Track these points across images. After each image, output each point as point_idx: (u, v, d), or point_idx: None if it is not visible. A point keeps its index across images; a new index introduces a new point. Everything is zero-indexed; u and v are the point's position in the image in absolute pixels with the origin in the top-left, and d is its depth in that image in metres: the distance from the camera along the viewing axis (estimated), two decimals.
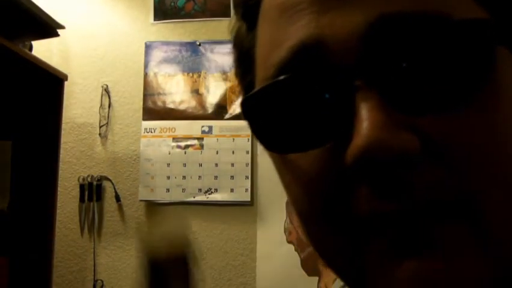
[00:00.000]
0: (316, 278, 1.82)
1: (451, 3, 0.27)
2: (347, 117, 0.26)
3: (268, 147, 0.31)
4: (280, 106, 0.30)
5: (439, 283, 0.25)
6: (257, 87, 0.33)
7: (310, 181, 0.29)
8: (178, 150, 1.93)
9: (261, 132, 0.31)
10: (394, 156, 0.25)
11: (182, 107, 1.96)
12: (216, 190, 1.90)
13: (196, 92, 1.97)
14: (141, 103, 1.98)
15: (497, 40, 0.27)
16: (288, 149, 0.30)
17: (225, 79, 1.97)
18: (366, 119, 0.25)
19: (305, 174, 0.30)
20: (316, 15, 0.28)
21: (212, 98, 1.95)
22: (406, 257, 0.26)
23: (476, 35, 0.26)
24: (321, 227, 0.30)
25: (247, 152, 1.90)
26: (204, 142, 1.93)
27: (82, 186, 1.95)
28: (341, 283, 0.49)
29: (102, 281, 1.92)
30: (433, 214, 0.25)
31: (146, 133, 1.96)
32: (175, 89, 1.97)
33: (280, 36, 0.30)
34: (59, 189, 1.62)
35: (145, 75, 2.00)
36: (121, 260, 1.93)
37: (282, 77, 0.29)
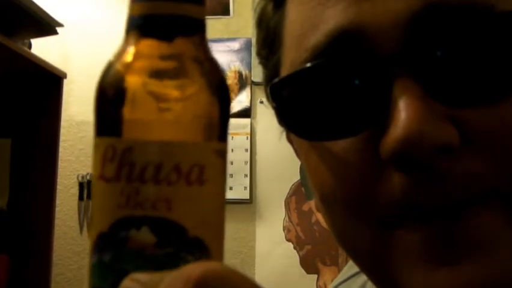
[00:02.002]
0: (315, 275, 1.82)
1: None
2: (384, 106, 0.26)
3: (299, 134, 0.30)
4: (315, 92, 0.29)
5: (489, 284, 0.25)
6: (286, 70, 0.32)
7: (342, 169, 0.29)
8: None
9: (291, 118, 0.30)
10: (433, 148, 0.24)
11: None
12: None
13: None
14: None
15: None
16: (321, 136, 0.30)
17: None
18: (404, 109, 0.25)
19: (337, 162, 0.29)
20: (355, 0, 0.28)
21: None
22: (450, 260, 0.25)
23: None
24: (347, 216, 0.30)
25: (246, 150, 1.91)
26: None
27: (81, 184, 1.95)
28: (337, 281, 0.49)
29: None
30: (474, 204, 0.25)
31: None
32: None
33: (315, 18, 0.29)
34: (58, 187, 1.62)
35: None
36: None
37: (318, 62, 0.28)
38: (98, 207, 0.23)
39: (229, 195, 1.89)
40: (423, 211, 0.26)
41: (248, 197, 1.89)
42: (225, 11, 2.00)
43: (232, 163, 1.91)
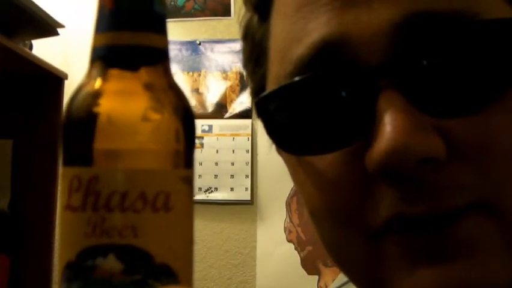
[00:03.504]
0: (316, 276, 1.82)
1: (481, 4, 0.26)
2: (369, 119, 0.26)
3: (285, 148, 0.30)
4: (299, 106, 0.28)
5: (471, 286, 0.25)
6: (271, 83, 0.32)
7: (328, 183, 0.29)
8: None
9: (276, 133, 0.30)
10: (418, 159, 0.24)
11: None
12: (216, 189, 1.90)
13: (196, 91, 1.97)
14: None
15: None
16: (306, 151, 0.29)
17: (225, 78, 1.97)
18: (389, 122, 0.24)
19: (323, 176, 0.29)
20: (339, 11, 0.27)
21: (212, 97, 1.95)
22: (433, 262, 0.25)
23: (505, 34, 0.25)
24: (336, 229, 0.30)
25: (247, 151, 1.90)
26: (204, 141, 1.93)
27: None
28: (338, 283, 0.49)
29: None
30: (460, 216, 0.25)
31: None
32: None
33: (298, 32, 0.29)
34: (59, 188, 1.62)
35: None
36: None
37: (302, 77, 0.28)
38: (65, 236, 0.23)
39: (231, 196, 1.89)
40: (410, 223, 0.25)
41: (249, 198, 1.89)
42: (226, 12, 2.01)
43: (233, 164, 1.91)
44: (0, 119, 1.54)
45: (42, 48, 1.63)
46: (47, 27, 1.39)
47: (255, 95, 0.36)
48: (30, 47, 1.52)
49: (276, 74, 0.31)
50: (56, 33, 1.43)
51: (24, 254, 1.50)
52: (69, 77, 1.63)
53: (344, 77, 0.27)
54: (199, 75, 1.98)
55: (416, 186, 0.25)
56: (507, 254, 0.25)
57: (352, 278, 0.32)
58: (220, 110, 1.95)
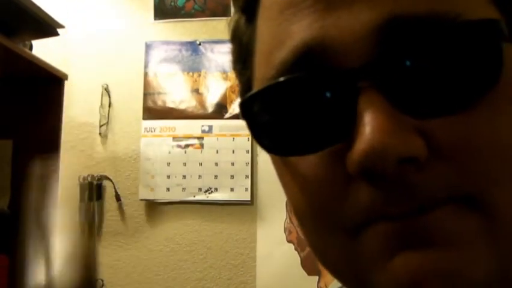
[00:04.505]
0: (316, 277, 1.82)
1: (461, 2, 0.26)
2: (350, 121, 0.26)
3: (268, 149, 0.30)
4: (281, 108, 0.29)
5: (446, 275, 0.25)
6: (257, 86, 0.32)
7: (311, 184, 0.29)
8: (178, 149, 1.94)
9: (260, 134, 0.30)
10: (397, 159, 0.24)
11: (182, 106, 1.96)
12: (216, 189, 1.90)
13: (196, 92, 1.97)
14: (141, 102, 1.99)
15: (507, 39, 0.26)
16: (289, 151, 0.30)
17: (225, 78, 1.97)
18: (369, 122, 0.24)
19: (306, 177, 0.29)
20: (320, 14, 0.27)
21: (212, 97, 1.96)
22: (408, 249, 0.25)
23: (485, 35, 0.25)
24: (319, 230, 0.30)
25: (247, 151, 1.91)
26: (204, 141, 1.93)
27: (82, 186, 1.95)
28: (338, 284, 0.49)
29: (102, 281, 1.92)
30: (439, 205, 0.25)
31: (146, 132, 1.96)
32: (175, 89, 1.98)
33: (282, 34, 0.29)
34: (59, 188, 1.62)
35: (145, 74, 2.00)
36: (121, 260, 1.93)
37: (283, 79, 0.28)
38: None
39: (231, 196, 1.89)
40: (388, 215, 0.26)
41: (249, 198, 1.89)
42: (226, 12, 2.01)
43: (233, 164, 1.91)
44: (0, 119, 1.54)
45: (42, 49, 1.63)
46: (47, 27, 1.39)
47: (241, 96, 0.36)
48: (30, 48, 1.52)
49: (261, 77, 0.32)
50: (56, 34, 1.43)
51: (24, 254, 1.50)
52: (69, 78, 1.64)
53: (325, 79, 0.27)
54: (199, 75, 1.98)
55: (396, 187, 0.25)
56: (488, 246, 0.25)
57: (338, 278, 0.32)
58: (220, 110, 1.95)
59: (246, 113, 0.30)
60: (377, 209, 0.26)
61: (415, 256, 0.25)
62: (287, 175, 0.32)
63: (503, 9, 0.28)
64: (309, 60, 0.27)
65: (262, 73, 0.31)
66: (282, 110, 0.29)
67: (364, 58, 0.26)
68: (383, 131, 0.24)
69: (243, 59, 0.36)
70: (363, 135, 0.24)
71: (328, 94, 0.27)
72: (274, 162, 0.34)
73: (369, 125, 0.24)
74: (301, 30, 0.28)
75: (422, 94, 0.25)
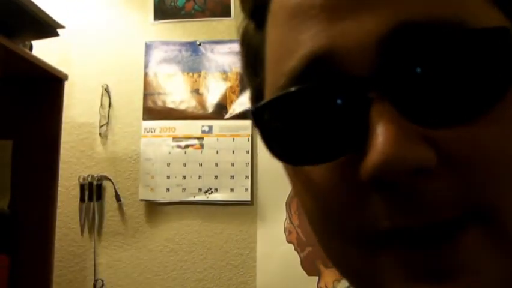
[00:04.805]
0: (316, 277, 1.82)
1: (469, 10, 0.26)
2: (361, 131, 0.26)
3: (280, 158, 0.30)
4: (292, 118, 0.29)
5: None
6: (268, 93, 0.33)
7: (323, 194, 0.29)
8: (178, 149, 1.94)
9: (271, 143, 0.30)
10: (410, 170, 0.24)
11: (182, 106, 1.96)
12: (216, 190, 1.90)
13: (196, 92, 1.97)
14: (141, 103, 1.99)
15: None
16: (300, 161, 0.30)
17: (225, 79, 1.97)
18: (381, 133, 0.25)
19: (318, 187, 0.29)
20: (327, 23, 0.27)
21: (212, 97, 1.96)
22: (427, 282, 0.26)
23: (494, 43, 0.25)
24: (332, 239, 0.30)
25: (247, 152, 1.91)
26: (204, 142, 1.93)
27: (82, 186, 1.96)
28: (346, 284, 0.49)
29: (102, 281, 1.92)
30: (457, 230, 0.25)
31: (146, 133, 1.96)
32: (175, 89, 1.98)
33: (290, 43, 0.29)
34: (59, 188, 1.62)
35: (145, 75, 2.00)
36: (121, 260, 1.93)
37: (294, 89, 0.28)
38: None
39: (231, 196, 1.89)
40: (405, 235, 0.26)
41: (249, 199, 1.89)
42: (226, 12, 2.01)
43: (233, 165, 1.91)
44: (0, 119, 1.54)
45: (42, 49, 1.63)
46: (47, 28, 1.39)
47: (252, 102, 0.36)
48: (30, 48, 1.52)
49: (271, 85, 0.32)
50: (56, 34, 1.43)
51: (24, 255, 1.50)
52: (69, 78, 1.64)
53: (335, 89, 0.27)
54: (199, 76, 1.98)
55: (408, 197, 0.25)
56: (503, 267, 0.25)
57: (350, 283, 0.33)
58: (220, 110, 1.95)
59: (257, 121, 0.30)
60: (390, 222, 0.26)
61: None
62: (299, 184, 0.32)
63: (508, 13, 0.28)
64: (319, 69, 0.28)
65: (273, 81, 0.31)
66: (293, 120, 0.29)
67: (371, 68, 0.26)
68: (395, 141, 0.24)
69: (253, 65, 0.36)
70: (376, 146, 0.25)
71: (338, 104, 0.27)
72: (286, 170, 0.34)
73: (381, 136, 0.25)
74: (309, 39, 0.28)
75: (430, 103, 0.25)
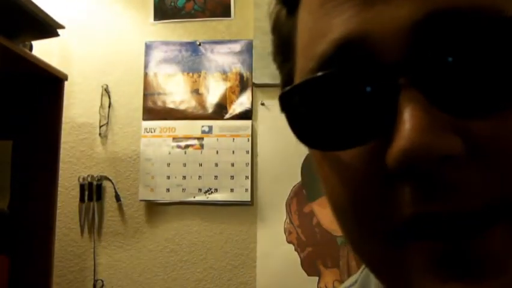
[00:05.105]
0: (316, 278, 1.82)
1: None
2: (390, 117, 0.26)
3: (307, 143, 0.30)
4: (321, 102, 0.29)
5: None
6: (297, 79, 0.32)
7: (350, 179, 0.29)
8: (178, 150, 1.93)
9: (298, 127, 0.30)
10: (436, 158, 0.24)
11: (182, 106, 1.96)
12: (216, 190, 1.90)
13: (196, 92, 1.97)
14: (141, 103, 1.99)
15: None
16: (328, 146, 0.29)
17: (225, 79, 1.97)
18: (408, 120, 0.24)
19: (345, 172, 0.29)
20: (361, 8, 0.27)
21: (212, 97, 1.96)
22: (453, 279, 0.25)
23: None
24: (356, 225, 0.30)
25: (247, 152, 1.90)
26: (204, 142, 1.93)
27: (82, 186, 1.95)
28: (350, 281, 0.49)
29: (102, 281, 1.92)
30: (488, 225, 0.25)
31: (146, 133, 1.96)
32: (175, 89, 1.97)
33: (322, 27, 0.29)
34: (59, 189, 1.62)
35: (145, 75, 2.00)
36: (121, 260, 1.93)
37: (323, 73, 0.28)
38: None
39: (230, 197, 1.89)
40: (432, 225, 0.25)
41: (249, 199, 1.89)
42: (226, 12, 2.01)
43: (233, 165, 1.91)
44: (0, 119, 1.54)
45: (42, 49, 1.63)
46: (47, 28, 1.39)
47: (282, 88, 0.36)
48: (30, 48, 1.52)
49: (301, 69, 0.32)
50: (56, 34, 1.43)
51: (24, 255, 1.50)
52: (69, 78, 1.64)
53: (365, 74, 0.27)
54: (199, 76, 1.98)
55: (434, 185, 0.25)
56: None
57: (372, 271, 0.32)
58: (220, 111, 1.95)
59: (285, 105, 0.30)
60: (415, 209, 0.26)
61: (467, 285, 0.25)
62: (326, 168, 0.31)
63: None
64: (349, 54, 0.27)
65: (302, 66, 0.31)
66: (321, 104, 0.29)
67: (403, 54, 0.26)
68: (422, 129, 0.24)
69: (283, 51, 0.35)
70: (403, 132, 0.24)
71: (368, 90, 0.27)
72: (313, 155, 0.34)
73: (409, 123, 0.24)
74: (341, 23, 0.28)
75: (461, 92, 0.25)
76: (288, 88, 0.30)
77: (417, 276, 0.27)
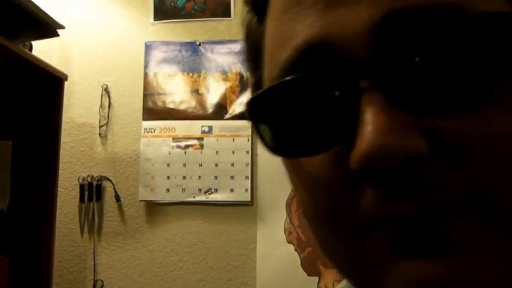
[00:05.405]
0: (316, 278, 1.82)
1: None
2: (352, 121, 0.25)
3: (273, 151, 0.30)
4: (284, 109, 0.28)
5: (453, 284, 0.24)
6: (264, 86, 0.32)
7: (316, 185, 0.29)
8: (178, 150, 1.93)
9: (265, 136, 0.30)
10: (398, 159, 0.24)
11: (182, 107, 1.96)
12: (216, 190, 1.90)
13: (196, 92, 1.97)
14: (141, 103, 1.99)
15: None
16: (293, 153, 0.29)
17: (225, 79, 1.97)
18: (369, 122, 0.24)
19: (311, 178, 0.29)
20: (322, 13, 0.27)
21: (212, 98, 1.95)
22: (412, 257, 0.25)
23: (493, 29, 0.24)
24: (326, 230, 0.30)
25: (247, 152, 1.90)
26: (204, 142, 1.93)
27: (82, 186, 1.95)
28: (342, 285, 0.49)
29: (102, 281, 1.92)
30: (447, 214, 0.24)
31: (146, 133, 1.96)
32: (175, 89, 1.97)
33: (286, 34, 0.29)
34: (59, 189, 1.62)
35: (145, 75, 2.00)
36: (121, 260, 1.93)
37: (286, 79, 0.28)
38: None
39: (230, 197, 1.89)
40: (396, 222, 0.25)
41: (249, 199, 1.89)
42: (226, 13, 2.01)
43: (233, 165, 1.91)
44: (0, 119, 1.54)
45: (42, 49, 1.63)
46: (47, 27, 1.39)
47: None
48: (30, 48, 1.52)
49: (267, 76, 0.32)
50: (56, 34, 1.43)
51: (24, 255, 1.50)
52: (69, 78, 1.64)
53: (327, 78, 0.27)
54: (199, 76, 1.98)
55: (399, 185, 0.25)
56: (501, 255, 0.24)
57: (349, 280, 0.32)
58: (220, 111, 1.94)
59: (251, 113, 0.30)
60: (382, 210, 0.25)
61: (420, 264, 0.25)
62: (294, 175, 0.31)
63: None
64: (312, 59, 0.27)
65: (269, 72, 0.31)
66: (285, 111, 0.28)
67: (364, 56, 0.25)
68: (382, 130, 0.24)
69: (254, 58, 0.35)
70: (364, 135, 0.24)
71: (330, 94, 0.26)
72: (284, 163, 0.34)
73: (370, 125, 0.24)
74: (303, 29, 0.28)
75: (423, 91, 0.25)
76: (252, 96, 0.30)
77: (380, 262, 0.26)
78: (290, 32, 0.29)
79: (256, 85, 0.35)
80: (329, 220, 0.29)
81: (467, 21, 0.24)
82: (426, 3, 0.25)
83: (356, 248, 0.28)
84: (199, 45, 2.00)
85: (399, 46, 0.25)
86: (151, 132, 1.96)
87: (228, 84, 1.96)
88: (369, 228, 0.26)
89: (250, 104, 0.30)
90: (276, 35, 0.30)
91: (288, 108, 0.28)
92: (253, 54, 0.35)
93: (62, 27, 1.42)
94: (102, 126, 1.99)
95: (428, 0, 0.25)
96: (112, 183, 1.96)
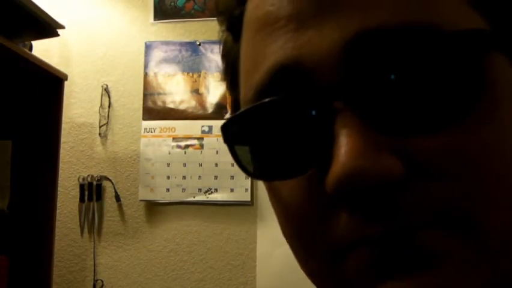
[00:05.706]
0: None
1: (440, 12, 0.25)
2: (326, 143, 0.25)
3: (249, 174, 0.30)
4: (259, 132, 0.28)
5: None
6: (240, 108, 0.32)
7: (293, 208, 0.28)
8: (178, 150, 1.93)
9: (240, 158, 0.29)
10: (374, 182, 0.23)
11: (182, 106, 1.96)
12: (216, 190, 1.90)
13: (196, 92, 1.97)
14: (141, 103, 1.99)
15: (493, 48, 0.25)
16: (269, 176, 0.29)
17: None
18: (344, 145, 0.24)
19: (288, 201, 0.28)
20: (293, 34, 0.27)
21: (212, 97, 1.96)
22: (388, 278, 0.24)
23: (466, 47, 0.24)
24: (304, 254, 0.30)
25: None
26: (204, 142, 1.93)
27: (82, 186, 1.95)
28: None
29: (102, 281, 1.92)
30: (422, 233, 0.24)
31: (146, 133, 1.96)
32: (175, 89, 1.97)
33: (257, 55, 0.29)
34: (59, 189, 1.62)
35: (145, 75, 2.00)
36: (121, 260, 1.93)
37: (259, 102, 0.27)
38: None
39: (231, 197, 1.89)
40: (371, 241, 0.25)
41: (249, 199, 1.89)
42: None
43: (233, 165, 1.91)
44: (0, 119, 1.54)
45: (42, 49, 1.63)
46: (47, 27, 1.39)
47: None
48: (30, 48, 1.52)
49: (242, 99, 0.31)
50: (56, 34, 1.43)
51: (23, 255, 1.50)
52: (69, 78, 1.64)
53: (300, 100, 0.26)
54: (199, 76, 1.98)
55: (373, 207, 0.24)
56: (476, 266, 0.24)
57: None
58: (220, 110, 1.94)
59: (225, 136, 0.30)
60: (357, 233, 0.25)
61: (398, 284, 0.24)
62: (272, 198, 0.31)
63: (488, 16, 0.26)
64: (285, 81, 0.27)
65: (244, 94, 0.31)
66: (260, 134, 0.28)
67: (337, 76, 0.25)
68: (356, 153, 0.23)
69: (231, 78, 0.35)
70: (338, 158, 0.24)
71: (304, 117, 0.26)
72: (264, 184, 0.33)
73: (343, 148, 0.24)
74: (275, 51, 0.27)
75: (396, 112, 0.24)
76: (226, 120, 0.29)
77: (358, 284, 0.26)
78: (262, 53, 0.28)
79: (234, 105, 0.35)
80: (306, 245, 0.29)
81: (438, 40, 0.24)
82: (396, 23, 0.24)
83: (334, 270, 0.27)
84: (199, 45, 2.00)
85: (370, 66, 0.24)
86: (151, 132, 1.96)
87: None
88: (346, 251, 0.26)
89: (225, 127, 0.29)
90: (249, 57, 0.30)
91: (262, 131, 0.28)
92: (230, 73, 0.35)
93: (62, 27, 1.42)
94: (102, 126, 1.99)
95: (397, 20, 0.25)
96: (112, 183, 1.96)
